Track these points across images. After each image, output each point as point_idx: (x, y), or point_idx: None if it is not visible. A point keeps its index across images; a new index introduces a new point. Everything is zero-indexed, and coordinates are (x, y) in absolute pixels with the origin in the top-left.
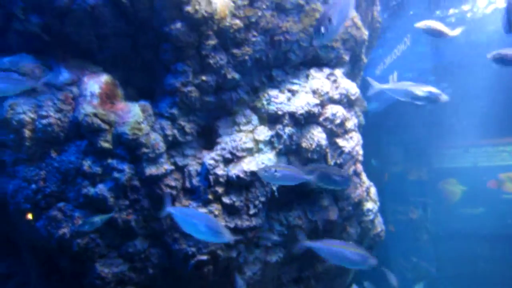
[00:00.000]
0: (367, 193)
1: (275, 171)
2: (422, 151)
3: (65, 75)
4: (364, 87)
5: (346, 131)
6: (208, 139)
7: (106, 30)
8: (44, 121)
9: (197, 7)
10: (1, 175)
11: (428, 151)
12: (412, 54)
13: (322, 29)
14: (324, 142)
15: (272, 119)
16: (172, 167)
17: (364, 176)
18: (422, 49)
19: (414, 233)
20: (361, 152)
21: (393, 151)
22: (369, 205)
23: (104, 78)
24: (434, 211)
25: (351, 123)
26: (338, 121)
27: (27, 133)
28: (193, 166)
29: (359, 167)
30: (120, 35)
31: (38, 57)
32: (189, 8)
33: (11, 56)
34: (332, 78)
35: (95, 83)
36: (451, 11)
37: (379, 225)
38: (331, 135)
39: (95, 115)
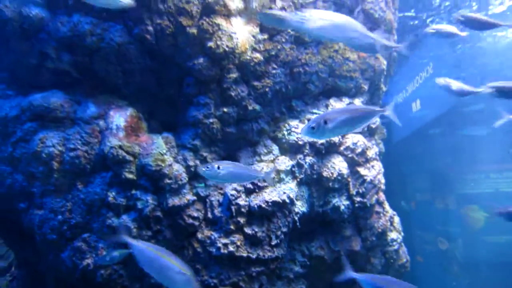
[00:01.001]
0: (391, 222)
1: (218, 167)
2: (446, 177)
3: (92, 109)
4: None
5: (368, 160)
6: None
7: (132, 66)
8: (72, 154)
9: (218, 42)
10: (29, 206)
11: (452, 177)
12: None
13: (314, 125)
14: (345, 171)
15: (293, 149)
16: (195, 198)
17: (387, 205)
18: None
19: (443, 263)
20: (383, 180)
21: (419, 179)
22: (393, 235)
23: (129, 111)
24: (462, 240)
25: (372, 152)
26: (359, 150)
27: (55, 165)
28: (215, 197)
29: (382, 196)
30: (145, 71)
31: (68, 92)
32: (211, 44)
33: (43, 92)
34: None
35: (121, 117)
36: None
37: (404, 256)
38: (352, 164)
39: (120, 147)
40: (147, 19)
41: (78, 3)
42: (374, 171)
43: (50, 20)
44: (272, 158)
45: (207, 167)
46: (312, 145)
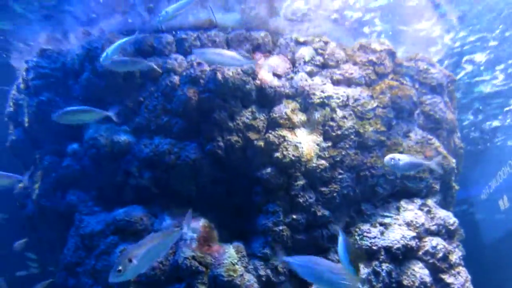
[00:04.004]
0: None
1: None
2: None
3: (168, 222)
4: None
5: (451, 266)
6: (301, 279)
7: (204, 179)
8: None
9: (285, 152)
10: None
11: None
12: None
13: (120, 268)
14: (427, 278)
15: (367, 255)
16: None
17: None
18: None
19: None
20: None
21: None
22: None
23: (202, 222)
24: None
25: (455, 256)
26: (440, 254)
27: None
28: None
29: None
30: (216, 182)
31: (146, 206)
32: (278, 154)
33: (125, 207)
34: (425, 208)
35: (194, 228)
36: None
37: None
38: (435, 270)
39: (194, 258)
40: (218, 136)
41: (160, 127)
42: (461, 279)
43: (136, 143)
44: None
45: None
46: (387, 250)
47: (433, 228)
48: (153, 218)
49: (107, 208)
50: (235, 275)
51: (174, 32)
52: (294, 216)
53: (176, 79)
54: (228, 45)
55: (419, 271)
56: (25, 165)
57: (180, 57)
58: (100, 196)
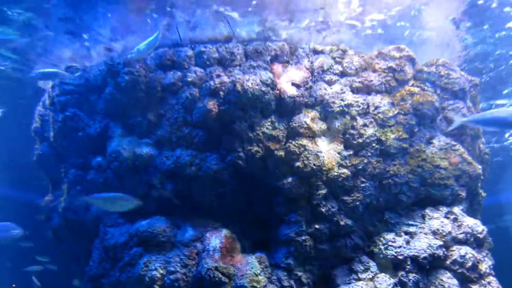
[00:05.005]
0: None
1: None
2: None
3: (190, 233)
4: None
5: (481, 276)
6: None
7: (225, 189)
8: (172, 277)
9: (306, 161)
10: None
11: None
12: None
13: None
14: None
15: (392, 265)
16: None
17: None
18: None
19: None
20: None
21: None
22: None
23: (224, 233)
24: None
25: (485, 266)
26: (469, 264)
27: None
28: None
29: None
30: (237, 193)
31: (169, 218)
32: (299, 164)
33: (148, 219)
34: (452, 216)
35: (216, 238)
36: None
37: None
38: (464, 280)
39: (217, 268)
40: (239, 147)
41: (181, 139)
42: None
43: (157, 156)
44: (370, 276)
45: None
46: (413, 259)
47: (461, 236)
48: (175, 229)
49: (130, 220)
50: (258, 286)
51: (193, 46)
52: (317, 226)
53: (196, 91)
54: (247, 56)
55: (448, 281)
56: (51, 179)
57: (199, 70)
58: None
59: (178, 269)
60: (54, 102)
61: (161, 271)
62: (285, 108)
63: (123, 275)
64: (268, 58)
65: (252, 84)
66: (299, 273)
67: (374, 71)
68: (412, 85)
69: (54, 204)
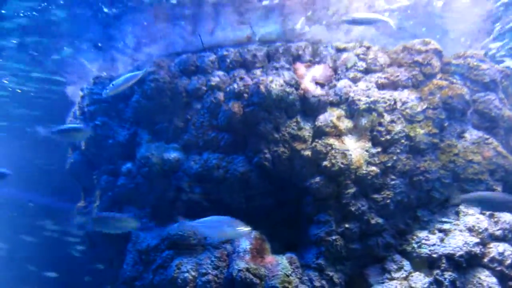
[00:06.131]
0: None
1: None
2: None
3: None
4: None
5: None
6: None
7: (252, 191)
8: (204, 279)
9: (333, 161)
10: None
11: None
12: None
13: None
14: (496, 287)
15: (427, 264)
16: None
17: None
18: None
19: None
20: None
21: None
22: None
23: (253, 234)
24: None
25: None
26: (508, 261)
27: None
28: None
29: None
30: (264, 194)
31: None
32: (326, 163)
33: (178, 222)
34: (487, 212)
35: (246, 239)
36: None
37: None
38: (503, 279)
39: (248, 270)
40: (265, 148)
41: (207, 143)
42: None
43: (185, 160)
44: (404, 275)
45: None
46: (449, 258)
47: (498, 233)
48: None
49: (161, 223)
50: (290, 287)
51: (215, 50)
52: (347, 225)
53: (220, 95)
54: (269, 57)
55: (486, 279)
56: (83, 186)
57: (222, 74)
58: (154, 211)
59: (209, 271)
60: (84, 111)
61: (193, 273)
62: (310, 108)
63: (156, 278)
64: (291, 58)
65: (275, 85)
66: (331, 273)
67: (400, 66)
68: (440, 79)
69: (87, 210)
